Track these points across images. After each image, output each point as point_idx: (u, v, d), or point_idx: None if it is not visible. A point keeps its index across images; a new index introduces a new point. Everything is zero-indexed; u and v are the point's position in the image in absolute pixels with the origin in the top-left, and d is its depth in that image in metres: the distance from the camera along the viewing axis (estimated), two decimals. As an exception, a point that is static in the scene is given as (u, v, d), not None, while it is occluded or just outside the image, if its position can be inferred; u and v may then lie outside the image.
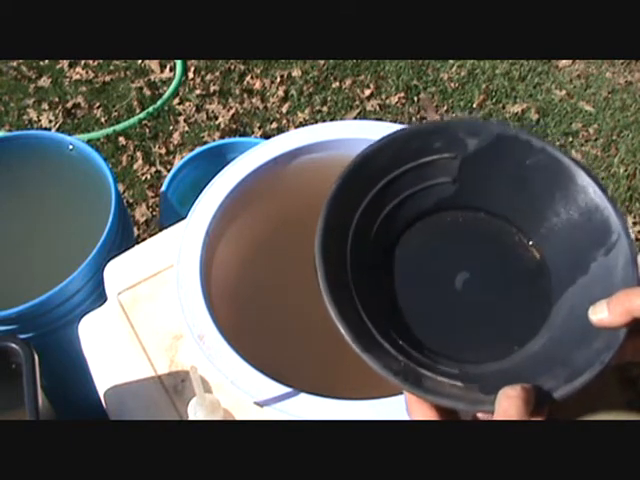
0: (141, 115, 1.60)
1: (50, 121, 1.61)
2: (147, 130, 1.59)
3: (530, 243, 0.51)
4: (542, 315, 0.48)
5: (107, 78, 1.72)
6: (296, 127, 1.59)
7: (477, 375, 0.44)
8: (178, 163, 1.29)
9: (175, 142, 1.57)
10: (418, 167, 0.50)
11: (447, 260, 0.50)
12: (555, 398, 0.40)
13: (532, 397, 0.38)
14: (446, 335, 0.47)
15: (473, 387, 0.42)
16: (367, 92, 1.68)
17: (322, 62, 1.75)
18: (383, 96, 1.68)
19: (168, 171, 1.47)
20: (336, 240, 0.46)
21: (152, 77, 1.72)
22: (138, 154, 1.53)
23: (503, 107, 1.65)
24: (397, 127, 0.69)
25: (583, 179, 0.48)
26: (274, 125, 1.61)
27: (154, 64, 1.74)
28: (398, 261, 0.50)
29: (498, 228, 0.52)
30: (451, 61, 1.75)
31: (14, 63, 1.76)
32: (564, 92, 1.67)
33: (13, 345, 0.68)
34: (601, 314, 0.41)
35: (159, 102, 1.63)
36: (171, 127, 1.60)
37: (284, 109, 1.64)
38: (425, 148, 0.50)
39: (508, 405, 0.38)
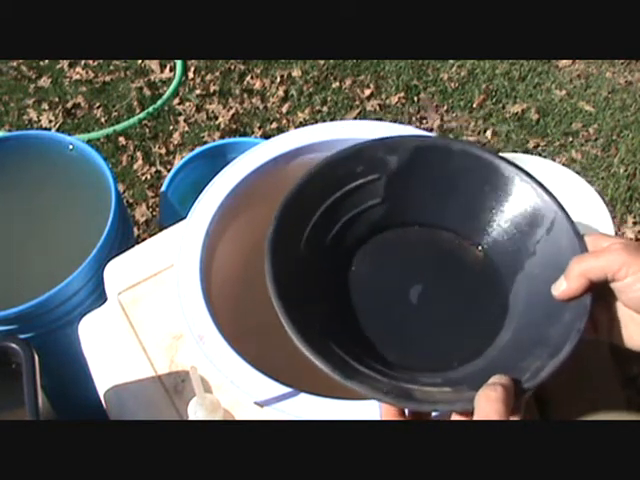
0: (141, 115, 1.59)
1: (50, 121, 1.61)
2: (147, 130, 1.59)
3: (471, 243, 0.52)
4: (502, 307, 0.49)
5: (107, 78, 1.72)
6: (296, 127, 1.59)
7: (460, 378, 0.45)
8: (178, 163, 1.29)
9: (175, 142, 1.57)
10: (346, 194, 0.51)
11: (397, 278, 0.51)
12: (542, 378, 0.41)
13: (512, 396, 0.39)
14: (416, 349, 0.47)
15: (462, 388, 0.42)
16: (367, 92, 1.68)
17: (322, 62, 1.75)
18: (383, 96, 1.68)
19: (168, 171, 1.47)
20: (287, 278, 0.46)
21: (152, 77, 1.72)
22: (138, 154, 1.53)
23: (503, 107, 1.65)
24: (396, 127, 0.69)
25: (508, 170, 0.49)
26: (274, 125, 1.61)
27: (154, 64, 1.74)
28: (350, 288, 0.50)
29: (437, 237, 0.53)
30: (451, 61, 1.75)
31: (14, 63, 1.76)
32: (564, 92, 1.67)
33: (13, 345, 0.68)
34: (561, 286, 0.43)
35: (159, 102, 1.63)
36: (171, 127, 1.60)
37: (284, 109, 1.64)
38: (349, 174, 0.51)
39: (489, 409, 0.38)
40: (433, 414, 0.45)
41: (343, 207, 0.51)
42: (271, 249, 0.46)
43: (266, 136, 1.55)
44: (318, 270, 0.49)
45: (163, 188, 1.24)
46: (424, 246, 0.52)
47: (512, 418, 0.38)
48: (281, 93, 1.68)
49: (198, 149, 1.31)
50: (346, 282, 0.50)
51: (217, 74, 1.72)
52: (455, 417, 0.41)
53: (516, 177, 0.49)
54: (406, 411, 0.43)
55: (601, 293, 0.43)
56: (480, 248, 0.52)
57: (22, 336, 0.84)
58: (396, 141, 0.51)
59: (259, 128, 1.60)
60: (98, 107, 1.65)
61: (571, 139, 1.58)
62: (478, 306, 0.49)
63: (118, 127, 1.56)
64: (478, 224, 0.51)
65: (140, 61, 1.75)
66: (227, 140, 1.36)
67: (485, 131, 1.59)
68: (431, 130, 1.59)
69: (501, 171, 0.50)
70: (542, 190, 0.48)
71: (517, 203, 0.49)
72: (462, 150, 0.50)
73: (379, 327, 0.48)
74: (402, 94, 1.67)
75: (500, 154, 0.51)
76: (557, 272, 0.44)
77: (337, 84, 1.70)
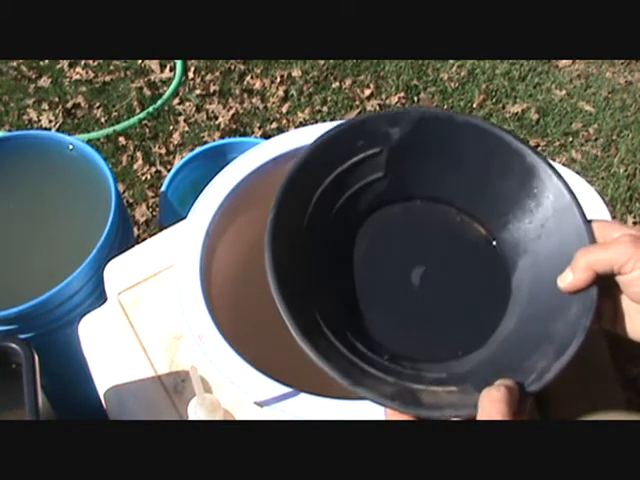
0: (141, 115, 1.59)
1: (50, 121, 1.61)
2: (147, 130, 1.59)
3: (474, 219, 0.50)
4: (504, 292, 0.47)
5: (107, 78, 1.72)
6: (296, 127, 1.59)
7: (465, 373, 0.44)
8: (178, 163, 1.29)
9: (175, 142, 1.57)
10: (347, 170, 0.49)
11: (398, 258, 0.49)
12: (548, 379, 0.40)
13: (515, 398, 0.38)
14: (419, 338, 0.46)
15: (467, 388, 0.42)
16: (367, 92, 1.68)
17: (322, 62, 1.75)
18: (383, 96, 1.68)
19: (168, 171, 1.47)
20: (287, 264, 0.44)
21: (152, 77, 1.72)
22: (138, 154, 1.53)
23: (503, 107, 1.65)
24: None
25: (516, 145, 0.47)
26: (274, 125, 1.61)
27: (154, 64, 1.74)
28: (351, 272, 0.48)
29: (439, 213, 0.51)
30: (451, 61, 1.75)
31: (14, 63, 1.76)
32: (564, 92, 1.67)
33: (13, 345, 0.68)
34: (567, 278, 0.43)
35: (159, 102, 1.62)
36: (171, 127, 1.60)
37: (284, 109, 1.64)
38: (349, 150, 0.49)
39: (491, 409, 0.38)
40: None
41: (344, 183, 0.49)
42: (271, 236, 0.44)
43: (266, 136, 1.55)
44: (319, 253, 0.47)
45: (163, 188, 1.24)
46: (426, 222, 0.51)
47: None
48: (281, 93, 1.68)
49: (198, 149, 1.31)
50: (347, 265, 0.49)
51: (217, 74, 1.72)
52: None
53: (524, 153, 0.47)
54: None
55: (606, 285, 0.42)
56: (483, 225, 0.50)
57: (22, 336, 0.84)
58: (398, 112, 0.49)
59: (259, 128, 1.60)
60: (98, 107, 1.65)
61: (571, 139, 1.58)
62: (480, 289, 0.48)
63: (118, 127, 1.56)
64: (482, 200, 0.50)
65: (140, 61, 1.75)
66: (227, 140, 1.36)
67: (485, 131, 1.59)
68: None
69: (508, 146, 0.47)
70: (551, 170, 0.46)
71: (523, 181, 0.47)
72: (466, 122, 0.48)
73: (382, 313, 0.47)
74: (402, 94, 1.67)
75: (507, 129, 0.49)
76: (563, 259, 0.43)
77: (337, 84, 1.70)
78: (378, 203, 0.51)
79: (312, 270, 0.47)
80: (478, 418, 0.38)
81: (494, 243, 0.50)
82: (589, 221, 0.44)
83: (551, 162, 0.47)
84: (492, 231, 0.50)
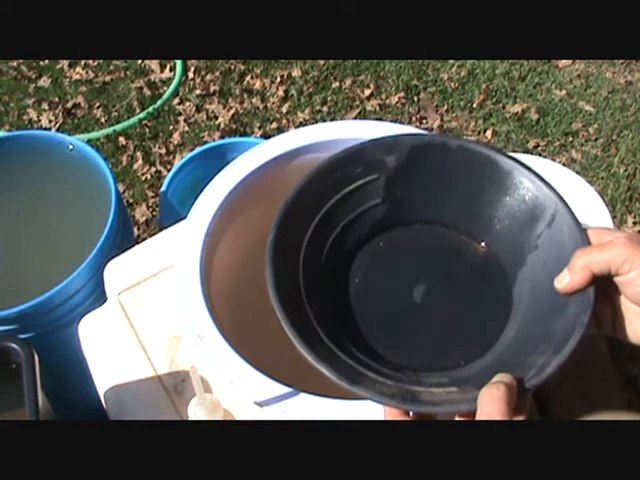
0: (141, 115, 1.59)
1: (50, 121, 1.61)
2: (147, 130, 1.59)
3: (473, 239, 0.52)
4: (506, 302, 0.49)
5: (107, 78, 1.72)
6: (296, 127, 1.59)
7: (467, 377, 0.44)
8: (178, 163, 1.29)
9: (175, 142, 1.57)
10: (346, 196, 0.51)
11: (400, 278, 0.51)
12: (548, 374, 0.41)
13: (515, 395, 0.39)
14: (422, 349, 0.47)
15: (468, 387, 0.42)
16: (367, 92, 1.68)
17: (322, 62, 1.75)
18: (383, 96, 1.68)
19: (168, 171, 1.47)
20: (289, 283, 0.46)
21: (152, 77, 1.72)
22: (138, 154, 1.53)
23: (503, 107, 1.65)
24: (396, 127, 0.69)
25: (506, 164, 0.49)
26: (274, 125, 1.61)
27: (154, 64, 1.74)
28: (353, 290, 0.50)
29: (438, 235, 0.53)
30: (451, 61, 1.75)
31: (14, 63, 1.76)
32: (564, 92, 1.67)
33: (13, 345, 0.68)
34: (564, 279, 0.43)
35: (159, 102, 1.62)
36: (171, 127, 1.60)
37: (284, 109, 1.64)
38: (347, 176, 0.51)
39: (491, 408, 0.38)
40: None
41: (343, 209, 0.51)
42: (272, 257, 0.46)
43: (266, 136, 1.55)
44: (320, 273, 0.49)
45: (163, 188, 1.24)
46: (426, 244, 0.52)
47: (516, 418, 0.38)
48: (281, 93, 1.68)
49: (198, 149, 1.31)
50: (349, 284, 0.50)
51: (217, 74, 1.72)
52: (458, 417, 0.41)
53: (515, 171, 0.49)
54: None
55: (605, 287, 0.43)
56: (482, 244, 0.52)
57: (22, 336, 0.84)
58: (393, 140, 0.51)
59: (259, 128, 1.60)
60: (98, 107, 1.65)
61: (571, 139, 1.58)
62: (482, 303, 0.49)
63: (118, 127, 1.56)
64: (479, 220, 0.51)
65: (140, 61, 1.75)
66: (227, 140, 1.36)
67: (485, 131, 1.59)
68: (431, 130, 1.59)
69: (500, 165, 0.50)
70: (542, 183, 0.48)
71: (517, 197, 0.49)
72: (459, 146, 0.50)
73: (384, 328, 0.48)
74: (402, 94, 1.67)
75: (498, 148, 0.51)
76: (560, 266, 0.44)
77: (337, 84, 1.70)
78: (377, 228, 0.52)
79: (313, 292, 0.47)
80: (478, 418, 0.38)
81: (494, 258, 0.51)
82: (584, 228, 0.45)
83: (542, 175, 0.49)
84: (491, 247, 0.51)
